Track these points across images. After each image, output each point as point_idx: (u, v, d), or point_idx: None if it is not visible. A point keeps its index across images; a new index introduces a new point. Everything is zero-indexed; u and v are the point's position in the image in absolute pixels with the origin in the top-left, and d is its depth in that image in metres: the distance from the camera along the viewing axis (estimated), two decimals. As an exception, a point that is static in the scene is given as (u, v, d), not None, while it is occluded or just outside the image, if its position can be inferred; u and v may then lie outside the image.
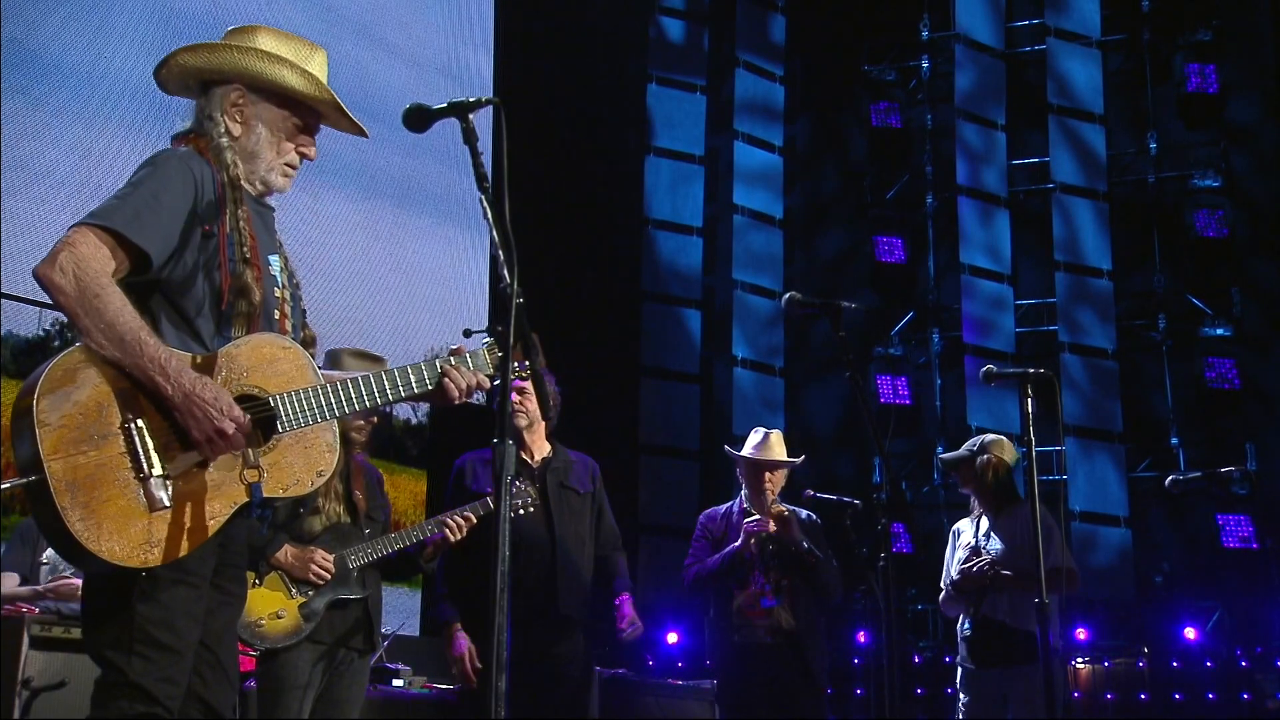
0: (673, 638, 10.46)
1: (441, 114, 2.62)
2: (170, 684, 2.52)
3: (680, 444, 11.38)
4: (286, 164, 2.87)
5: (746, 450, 5.46)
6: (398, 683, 5.85)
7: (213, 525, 2.55)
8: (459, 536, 4.32)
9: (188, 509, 2.51)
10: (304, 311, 2.95)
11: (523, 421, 4.84)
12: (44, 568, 5.32)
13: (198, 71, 2.84)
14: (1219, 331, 10.77)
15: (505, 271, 2.46)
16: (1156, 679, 10.09)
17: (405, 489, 8.54)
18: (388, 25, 8.96)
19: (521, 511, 4.44)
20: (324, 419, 2.70)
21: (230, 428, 2.51)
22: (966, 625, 5.11)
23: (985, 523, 5.22)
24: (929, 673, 10.16)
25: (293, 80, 2.82)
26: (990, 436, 5.34)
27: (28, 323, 6.91)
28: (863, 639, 10.18)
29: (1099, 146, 11.51)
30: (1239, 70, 11.37)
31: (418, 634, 7.66)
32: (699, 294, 11.78)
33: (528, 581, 4.66)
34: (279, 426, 2.64)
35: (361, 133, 2.97)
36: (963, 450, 5.32)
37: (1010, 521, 5.11)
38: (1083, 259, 11.27)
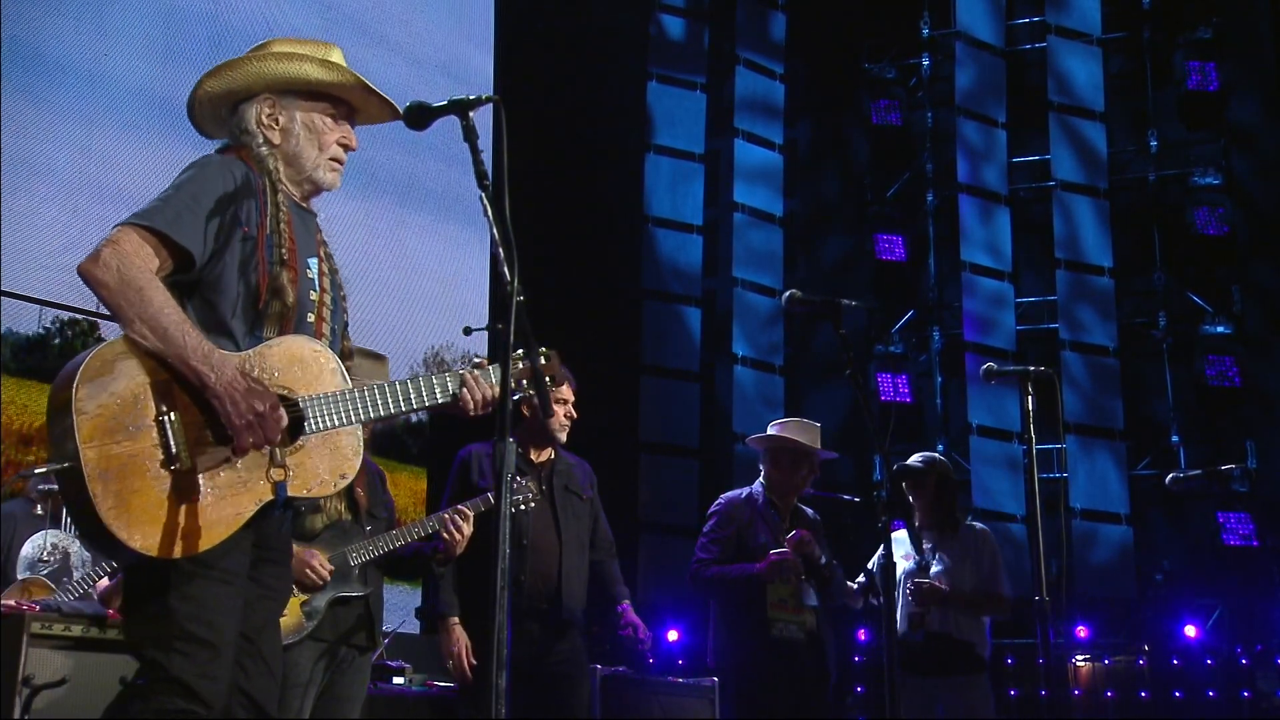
0: (673, 635, 10.46)
1: (442, 112, 2.63)
2: (211, 680, 2.55)
3: (680, 442, 11.37)
4: (331, 159, 2.94)
5: (789, 433, 5.35)
6: (399, 680, 5.85)
7: (238, 521, 2.59)
8: (460, 539, 4.31)
9: (215, 504, 2.56)
10: (346, 323, 3.02)
11: (563, 437, 4.87)
12: None
13: (226, 94, 2.89)
14: (1219, 329, 10.76)
15: (505, 269, 2.47)
16: (1157, 677, 10.09)
17: (406, 487, 8.54)
18: (388, 23, 8.96)
19: (522, 506, 4.44)
20: (350, 422, 2.76)
21: (269, 413, 2.57)
22: (917, 637, 5.23)
23: (925, 538, 5.36)
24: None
25: (315, 72, 2.87)
26: (938, 456, 5.59)
27: (28, 320, 6.92)
28: (863, 637, 10.19)
29: (1100, 144, 11.50)
30: (1239, 69, 11.35)
31: (418, 632, 7.66)
32: (699, 292, 11.77)
33: (534, 583, 4.67)
34: (306, 427, 2.69)
35: (396, 111, 2.98)
36: (918, 461, 5.47)
37: (955, 544, 5.36)
38: (1083, 257, 11.26)
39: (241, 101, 2.89)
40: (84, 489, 2.43)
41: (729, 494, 5.50)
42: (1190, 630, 10.09)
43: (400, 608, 7.25)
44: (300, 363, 2.73)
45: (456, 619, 4.68)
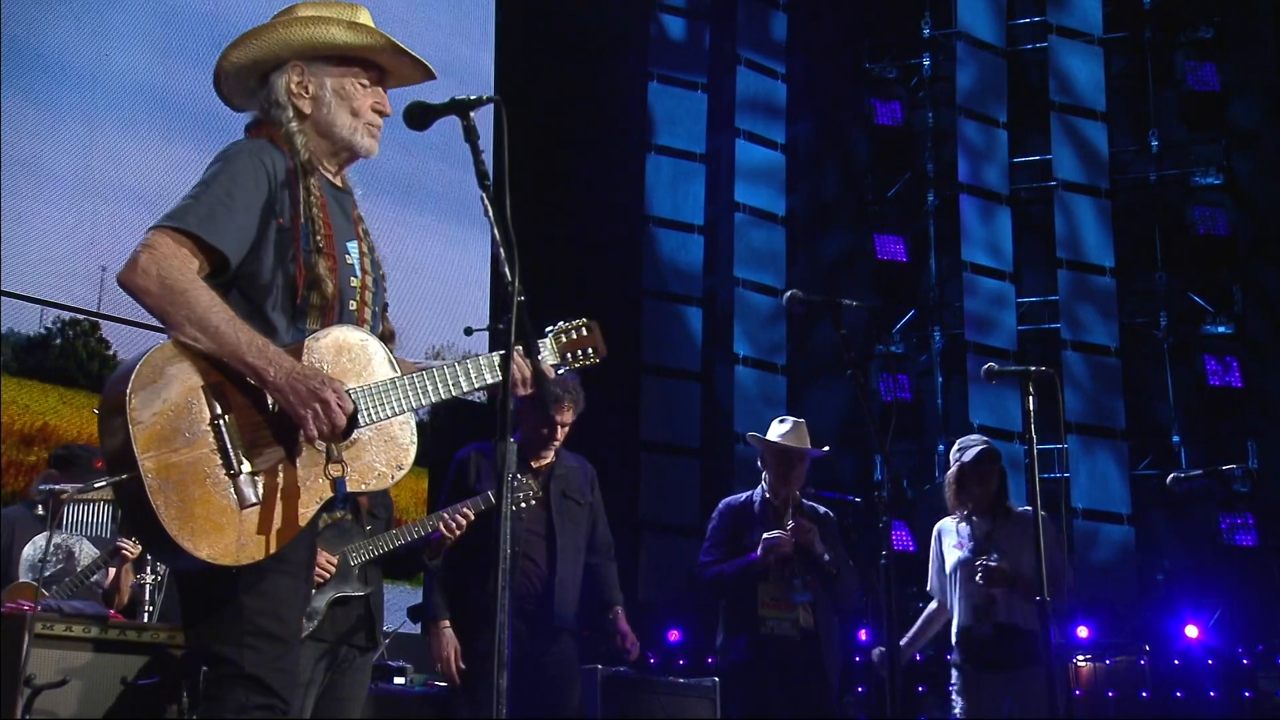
0: (674, 635, 10.45)
1: (442, 112, 2.62)
2: (284, 674, 2.52)
3: (681, 441, 11.37)
4: (368, 124, 2.84)
5: (775, 436, 5.35)
6: (399, 680, 5.86)
7: (300, 520, 2.54)
8: (457, 535, 4.32)
9: (276, 505, 2.51)
10: (386, 305, 2.92)
11: (548, 454, 4.87)
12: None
13: (253, 64, 2.79)
14: (1221, 329, 10.75)
15: (506, 269, 2.47)
16: (1158, 677, 10.08)
17: (406, 486, 8.53)
18: (388, 23, 8.89)
19: (523, 504, 4.44)
20: (401, 411, 2.70)
21: (333, 398, 2.50)
22: (985, 629, 4.99)
23: (978, 526, 5.13)
24: (930, 671, 10.15)
25: (343, 35, 2.78)
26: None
27: (29, 320, 6.92)
28: (864, 637, 10.17)
29: (1101, 144, 11.48)
30: (1241, 70, 11.34)
31: (418, 632, 7.66)
32: (700, 291, 11.76)
33: (524, 590, 4.67)
34: (359, 420, 2.62)
35: (429, 72, 2.92)
36: (984, 446, 5.20)
37: (1011, 529, 5.10)
38: (1084, 256, 11.25)
39: (270, 71, 2.79)
40: (146, 501, 2.37)
41: (729, 498, 5.56)
42: (1192, 630, 10.07)
43: (400, 608, 7.24)
44: (348, 353, 2.66)
45: (446, 621, 4.68)
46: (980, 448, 5.18)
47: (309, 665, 4.10)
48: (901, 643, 5.27)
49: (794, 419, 5.43)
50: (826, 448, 5.46)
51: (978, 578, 4.93)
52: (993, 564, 4.91)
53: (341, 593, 4.21)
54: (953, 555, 5.14)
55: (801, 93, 12.70)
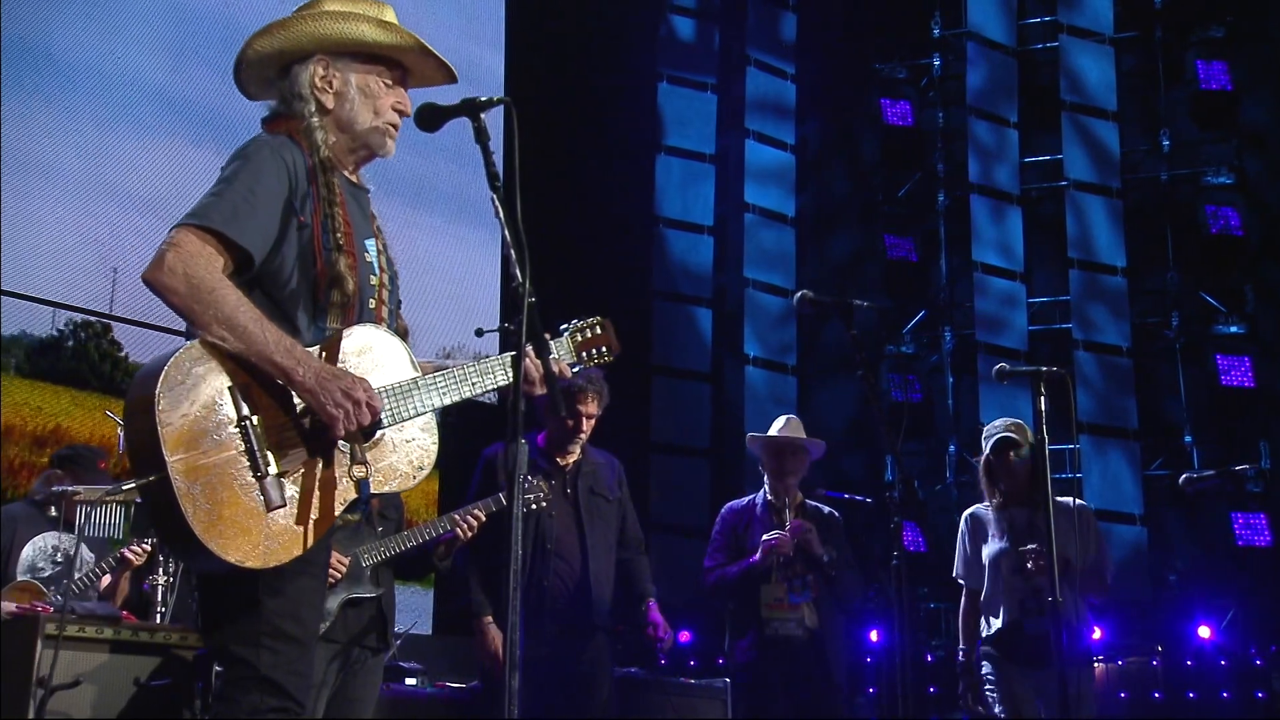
0: (684, 636, 10.44)
1: (453, 113, 2.62)
2: (299, 676, 2.51)
3: (691, 443, 11.36)
4: (388, 124, 2.81)
5: (770, 432, 5.40)
6: (410, 682, 5.86)
7: (326, 522, 2.53)
8: (469, 535, 4.34)
9: (302, 507, 2.50)
10: (400, 301, 2.91)
11: (575, 449, 4.87)
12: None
13: (278, 55, 2.76)
14: (1232, 329, 10.71)
15: (517, 270, 2.47)
16: (1170, 678, 10.04)
17: (418, 488, 8.51)
18: (399, 23, 8.96)
19: (533, 506, 4.46)
20: (420, 412, 2.69)
21: (364, 398, 2.50)
22: (1035, 626, 4.75)
23: (1018, 516, 4.90)
24: (942, 671, 10.12)
25: (372, 33, 2.77)
26: (1023, 423, 4.99)
27: (41, 322, 6.94)
28: (875, 638, 10.16)
29: (1112, 143, 11.45)
30: (1252, 69, 11.30)
31: (430, 633, 7.67)
32: (710, 292, 11.76)
33: (558, 589, 4.68)
34: (383, 420, 2.61)
35: (451, 74, 2.91)
36: (1011, 431, 4.93)
37: (1055, 518, 4.60)
38: (1096, 256, 11.22)
39: (294, 63, 2.76)
40: (175, 504, 2.34)
41: (731, 502, 5.61)
42: (1204, 631, 10.03)
43: (412, 609, 7.25)
44: (372, 353, 2.66)
45: (490, 617, 4.70)
46: (997, 437, 4.96)
47: (321, 666, 4.10)
48: (961, 651, 5.14)
49: (788, 415, 5.48)
50: (821, 441, 5.45)
51: (1028, 564, 4.67)
52: (1030, 549, 4.64)
53: (354, 594, 4.22)
54: (990, 546, 4.95)
55: (811, 93, 12.68)
